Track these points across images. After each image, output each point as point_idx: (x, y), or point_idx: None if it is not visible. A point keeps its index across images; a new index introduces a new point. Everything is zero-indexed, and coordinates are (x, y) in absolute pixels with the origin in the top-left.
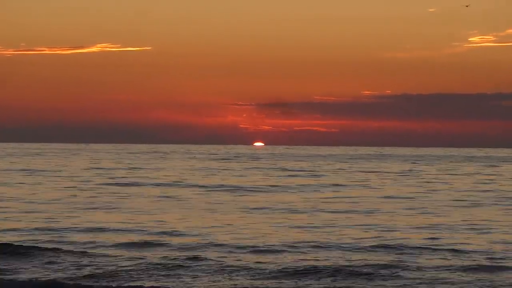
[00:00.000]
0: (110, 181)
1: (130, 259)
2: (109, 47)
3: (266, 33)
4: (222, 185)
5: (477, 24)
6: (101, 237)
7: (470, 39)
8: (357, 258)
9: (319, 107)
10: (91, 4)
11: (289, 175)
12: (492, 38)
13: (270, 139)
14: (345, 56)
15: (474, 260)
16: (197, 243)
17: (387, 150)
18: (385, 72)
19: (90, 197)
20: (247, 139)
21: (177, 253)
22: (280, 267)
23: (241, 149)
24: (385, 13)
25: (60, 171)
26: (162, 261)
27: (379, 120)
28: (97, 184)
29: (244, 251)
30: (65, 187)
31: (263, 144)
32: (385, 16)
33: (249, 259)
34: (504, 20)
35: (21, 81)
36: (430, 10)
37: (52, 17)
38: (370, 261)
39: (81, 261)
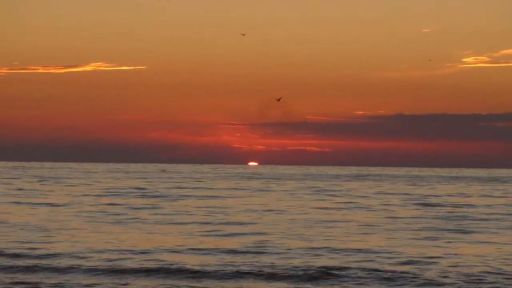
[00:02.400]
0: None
1: None
2: (103, 66)
3: (259, 52)
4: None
5: (471, 44)
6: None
7: (464, 59)
8: None
9: (313, 126)
10: (85, 23)
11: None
12: (486, 58)
13: (264, 159)
14: (339, 76)
15: None
16: None
17: (383, 170)
18: (379, 92)
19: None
20: (241, 158)
21: None
22: None
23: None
24: (379, 34)
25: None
26: None
27: (373, 140)
28: None
29: None
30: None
31: (257, 164)
32: (379, 36)
33: None
34: (498, 41)
35: (14, 100)
36: (424, 30)
37: (46, 36)
38: None
39: None
